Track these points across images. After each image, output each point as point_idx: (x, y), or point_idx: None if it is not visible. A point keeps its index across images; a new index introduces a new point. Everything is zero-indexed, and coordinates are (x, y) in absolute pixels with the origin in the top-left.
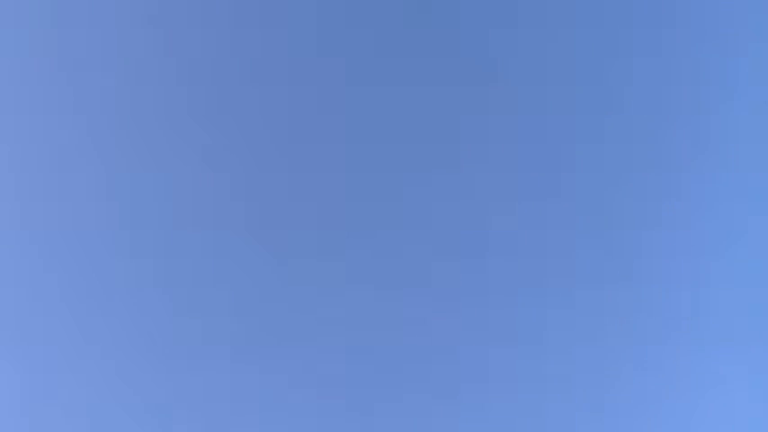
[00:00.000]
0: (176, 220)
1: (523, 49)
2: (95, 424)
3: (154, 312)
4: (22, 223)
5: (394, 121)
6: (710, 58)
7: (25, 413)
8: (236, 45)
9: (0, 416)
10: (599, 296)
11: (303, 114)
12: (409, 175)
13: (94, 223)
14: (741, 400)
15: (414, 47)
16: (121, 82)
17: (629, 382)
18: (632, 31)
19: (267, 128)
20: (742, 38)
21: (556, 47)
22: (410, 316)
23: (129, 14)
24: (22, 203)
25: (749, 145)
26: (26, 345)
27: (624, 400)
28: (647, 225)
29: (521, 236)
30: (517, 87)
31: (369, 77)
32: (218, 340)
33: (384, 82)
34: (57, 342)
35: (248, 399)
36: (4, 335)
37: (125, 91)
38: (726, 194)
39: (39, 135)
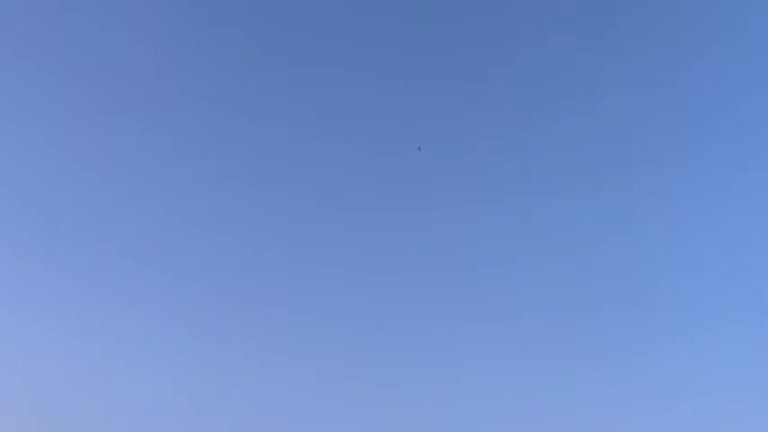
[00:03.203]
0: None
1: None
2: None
3: (152, 311)
4: (22, 223)
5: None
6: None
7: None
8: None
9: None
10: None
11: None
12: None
13: (94, 224)
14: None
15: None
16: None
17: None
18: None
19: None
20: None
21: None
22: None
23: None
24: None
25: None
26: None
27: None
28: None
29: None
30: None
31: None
32: (217, 340)
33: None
34: (55, 341)
35: (249, 397)
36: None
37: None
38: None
39: (38, 133)
